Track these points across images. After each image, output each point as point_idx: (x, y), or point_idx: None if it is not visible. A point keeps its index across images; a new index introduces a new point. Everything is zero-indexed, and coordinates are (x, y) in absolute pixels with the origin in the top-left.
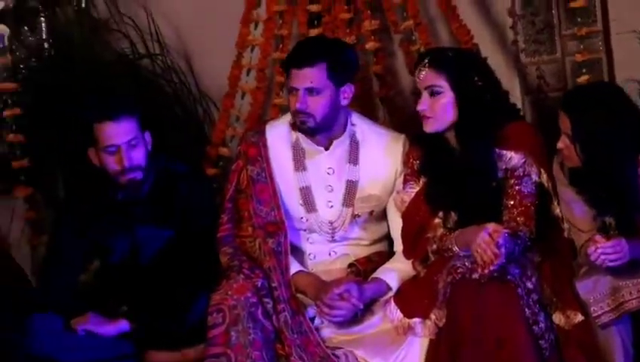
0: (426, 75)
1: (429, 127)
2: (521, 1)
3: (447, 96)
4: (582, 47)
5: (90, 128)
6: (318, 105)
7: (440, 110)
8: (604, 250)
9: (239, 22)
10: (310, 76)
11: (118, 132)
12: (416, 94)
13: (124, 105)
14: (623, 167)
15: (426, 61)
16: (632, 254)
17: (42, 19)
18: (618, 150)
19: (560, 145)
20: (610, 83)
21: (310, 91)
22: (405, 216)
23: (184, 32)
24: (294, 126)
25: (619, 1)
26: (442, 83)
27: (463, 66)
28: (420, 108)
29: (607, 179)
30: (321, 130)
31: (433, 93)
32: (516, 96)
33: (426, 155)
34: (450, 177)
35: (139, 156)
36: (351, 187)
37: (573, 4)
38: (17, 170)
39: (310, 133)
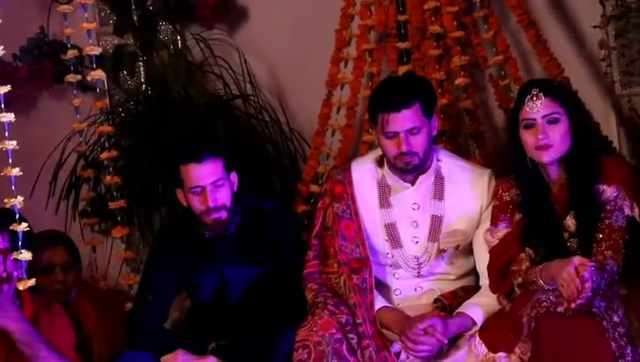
0: (543, 104)
1: (549, 157)
2: (614, 33)
3: (565, 124)
4: None
5: (177, 169)
6: (419, 143)
7: (559, 138)
8: None
9: (329, 61)
10: (410, 117)
11: (203, 173)
12: (528, 126)
13: (209, 146)
14: None
15: (538, 91)
16: None
17: (140, 63)
18: None
19: None
20: None
21: (411, 131)
22: (494, 251)
23: (276, 71)
24: (380, 163)
25: None
26: (560, 110)
27: (571, 93)
28: (540, 137)
29: None
30: (422, 166)
31: (552, 122)
32: (611, 128)
33: (524, 192)
34: (549, 214)
35: (224, 196)
36: (436, 222)
37: None
38: (114, 211)
39: (414, 170)
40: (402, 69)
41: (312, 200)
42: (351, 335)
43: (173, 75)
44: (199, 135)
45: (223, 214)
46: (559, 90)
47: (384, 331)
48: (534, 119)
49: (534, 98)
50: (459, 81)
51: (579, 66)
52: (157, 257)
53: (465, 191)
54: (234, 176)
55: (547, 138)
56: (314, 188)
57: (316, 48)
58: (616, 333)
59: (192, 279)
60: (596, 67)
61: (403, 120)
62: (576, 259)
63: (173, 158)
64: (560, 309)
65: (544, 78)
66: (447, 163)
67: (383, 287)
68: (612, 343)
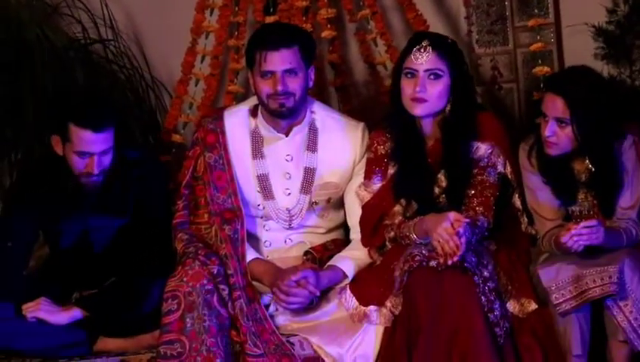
0: (430, 58)
1: (422, 111)
2: None
3: (445, 82)
4: (536, 38)
5: (64, 124)
6: (296, 85)
7: (437, 94)
8: (578, 231)
9: (193, 8)
10: (289, 57)
11: (96, 141)
12: (409, 76)
13: (109, 117)
14: (613, 145)
15: (428, 43)
16: (606, 237)
17: None
18: (612, 128)
19: (547, 132)
20: (585, 66)
21: (289, 72)
22: (368, 205)
23: (137, 17)
24: (254, 113)
25: None
26: (444, 67)
27: (459, 53)
28: (418, 89)
29: (600, 159)
30: (296, 111)
31: (434, 77)
32: None
33: (398, 142)
34: (422, 166)
35: (107, 161)
36: (309, 174)
37: None
38: None
39: (288, 115)
40: (269, 19)
41: (173, 150)
42: (222, 286)
43: (30, 16)
44: (98, 100)
45: (100, 178)
46: (448, 48)
47: (255, 283)
48: (417, 70)
49: (422, 50)
50: (325, 33)
51: (441, 24)
52: (16, 204)
53: (338, 144)
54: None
55: (424, 92)
56: (176, 137)
57: None
58: (486, 288)
59: (54, 227)
60: (455, 25)
61: (281, 59)
62: (452, 215)
63: (65, 113)
64: (432, 263)
65: (434, 32)
66: (321, 115)
67: (253, 239)
68: (482, 297)
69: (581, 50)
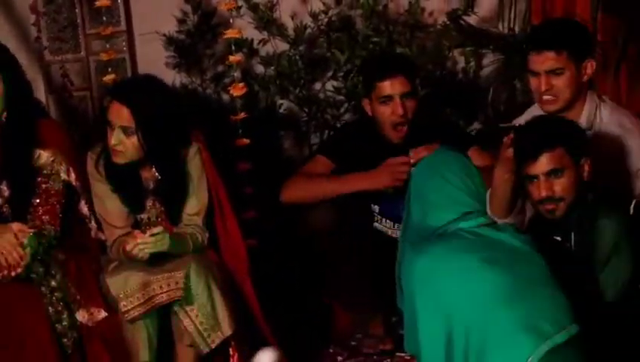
0: None
1: None
2: None
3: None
4: (107, 46)
5: None
6: None
7: None
8: (144, 240)
9: None
10: None
11: None
12: None
13: None
14: (178, 154)
15: None
16: (172, 243)
17: None
18: (176, 137)
19: (113, 141)
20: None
21: None
22: None
23: None
24: None
25: (141, 3)
26: None
27: (12, 58)
28: None
29: (166, 167)
30: None
31: None
32: (41, 95)
33: None
34: None
35: None
36: None
37: (98, 4)
38: None
39: None
40: None
41: None
42: None
43: None
44: None
45: None
46: None
47: None
48: None
49: None
50: None
51: (9, 30)
52: None
53: None
54: None
55: None
56: None
57: None
58: (54, 298)
59: None
60: (25, 31)
61: None
62: (15, 226)
63: None
64: None
65: None
66: None
67: None
68: (49, 308)
69: (154, 58)
